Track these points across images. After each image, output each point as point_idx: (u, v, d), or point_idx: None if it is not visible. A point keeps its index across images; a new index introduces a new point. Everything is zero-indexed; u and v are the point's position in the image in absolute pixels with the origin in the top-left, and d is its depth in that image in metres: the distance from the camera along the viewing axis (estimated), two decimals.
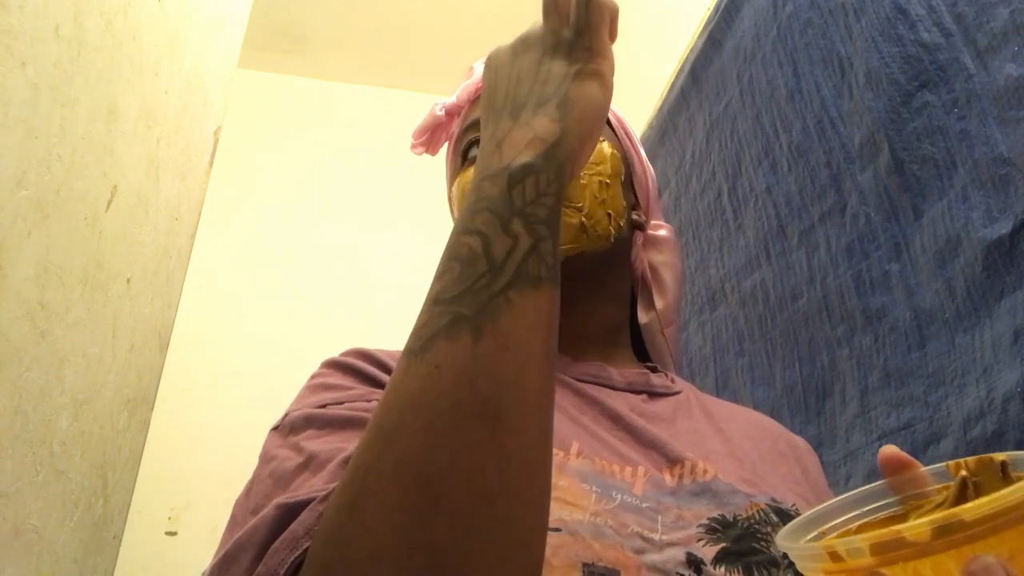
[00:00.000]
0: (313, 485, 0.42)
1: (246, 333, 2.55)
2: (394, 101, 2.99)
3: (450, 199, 0.71)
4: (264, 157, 2.85)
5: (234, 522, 0.46)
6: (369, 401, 0.50)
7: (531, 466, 0.36)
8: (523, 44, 0.49)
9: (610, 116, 0.70)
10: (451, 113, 0.73)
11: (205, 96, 1.67)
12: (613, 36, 0.49)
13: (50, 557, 1.12)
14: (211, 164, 1.79)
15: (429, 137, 0.74)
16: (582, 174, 0.62)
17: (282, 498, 0.41)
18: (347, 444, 0.45)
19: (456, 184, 0.69)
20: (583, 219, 0.61)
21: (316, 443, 0.46)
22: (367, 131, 2.94)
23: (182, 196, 1.59)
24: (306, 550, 0.37)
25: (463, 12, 2.79)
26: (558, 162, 0.42)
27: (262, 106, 2.91)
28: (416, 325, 0.39)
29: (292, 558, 0.37)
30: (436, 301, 0.38)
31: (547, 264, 0.39)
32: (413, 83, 2.95)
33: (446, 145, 0.76)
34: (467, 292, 0.37)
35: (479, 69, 0.70)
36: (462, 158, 0.69)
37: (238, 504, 0.47)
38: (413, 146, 0.75)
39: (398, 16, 2.84)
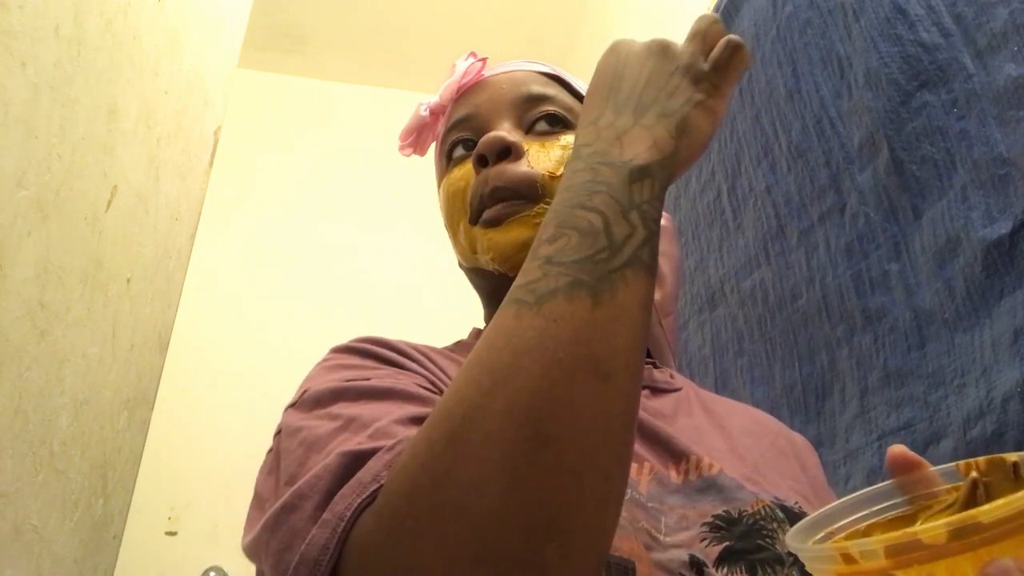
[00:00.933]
0: (361, 443, 0.42)
1: (246, 333, 2.55)
2: (394, 101, 2.99)
3: (439, 197, 0.71)
4: (264, 157, 2.85)
5: (260, 499, 0.45)
6: (398, 379, 0.50)
7: (629, 429, 0.38)
8: (660, 49, 0.50)
9: None
10: (436, 113, 0.72)
11: (205, 96, 1.67)
12: (737, 81, 0.51)
13: (50, 557, 1.12)
14: (211, 164, 1.79)
15: (416, 138, 0.74)
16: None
17: (346, 447, 0.41)
18: (391, 409, 0.45)
19: (442, 188, 0.68)
20: None
21: (353, 409, 0.46)
22: (367, 131, 2.94)
23: (182, 196, 1.59)
24: (374, 493, 0.37)
25: (463, 12, 2.79)
26: (668, 172, 0.44)
27: (262, 106, 2.91)
28: (524, 280, 0.39)
29: (359, 501, 0.37)
30: (551, 262, 0.39)
31: (656, 257, 0.41)
32: (413, 83, 2.95)
33: (434, 145, 0.75)
34: (587, 260, 0.39)
35: (461, 67, 0.69)
36: (447, 159, 0.68)
37: (261, 481, 0.47)
38: (401, 148, 0.75)
39: (398, 16, 2.84)
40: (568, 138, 0.63)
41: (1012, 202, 0.72)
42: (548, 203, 0.60)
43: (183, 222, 1.62)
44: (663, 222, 0.73)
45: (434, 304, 2.39)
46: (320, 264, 2.73)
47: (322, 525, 0.37)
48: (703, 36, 0.49)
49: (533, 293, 0.38)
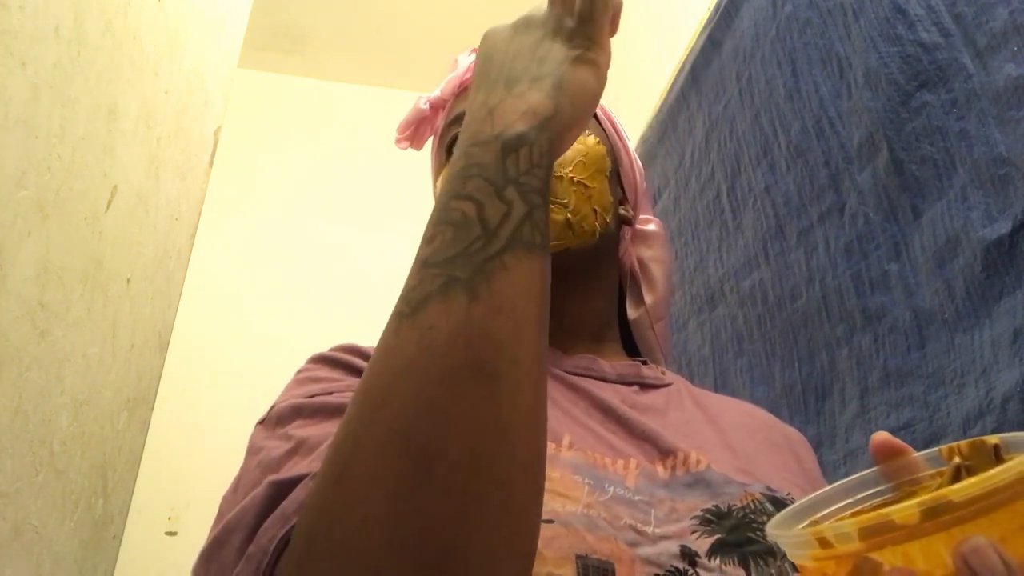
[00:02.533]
0: (303, 466, 0.41)
1: (246, 333, 2.55)
2: (394, 101, 2.98)
3: (435, 195, 0.71)
4: (264, 157, 2.85)
5: (221, 516, 0.45)
6: None
7: (529, 426, 0.35)
8: (524, 24, 0.49)
9: (597, 110, 0.70)
10: (435, 107, 0.72)
11: (205, 96, 1.67)
12: (614, 31, 0.49)
13: (50, 557, 1.12)
14: (211, 164, 1.79)
15: (413, 131, 0.74)
16: (567, 170, 0.62)
17: (272, 476, 0.40)
18: (335, 427, 0.45)
19: (440, 178, 0.68)
20: (568, 215, 0.60)
21: (306, 430, 0.46)
22: (367, 131, 2.94)
23: (182, 196, 1.59)
24: (295, 526, 0.36)
25: (463, 12, 2.79)
26: (550, 135, 0.42)
27: (262, 106, 2.91)
28: (405, 289, 0.38)
29: (281, 533, 0.37)
30: (426, 264, 0.37)
31: (541, 232, 0.39)
32: (413, 83, 2.94)
33: (431, 140, 0.75)
34: (461, 255, 0.37)
35: (464, 62, 0.69)
36: (447, 153, 0.68)
37: (225, 499, 0.47)
38: (398, 140, 0.75)
39: (398, 16, 2.84)
40: None
41: (1012, 202, 0.72)
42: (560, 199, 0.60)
43: (183, 222, 1.62)
44: (654, 227, 0.73)
45: None
46: (320, 264, 2.73)
47: (248, 559, 0.37)
48: None
49: (409, 302, 0.36)
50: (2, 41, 0.89)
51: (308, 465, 0.41)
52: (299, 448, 0.44)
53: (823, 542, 0.31)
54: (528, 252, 0.38)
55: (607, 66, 0.48)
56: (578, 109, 0.44)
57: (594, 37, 0.47)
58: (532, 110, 0.42)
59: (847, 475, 0.93)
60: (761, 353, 1.14)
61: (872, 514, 0.30)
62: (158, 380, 1.60)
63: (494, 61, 0.47)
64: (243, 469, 0.47)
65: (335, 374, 0.53)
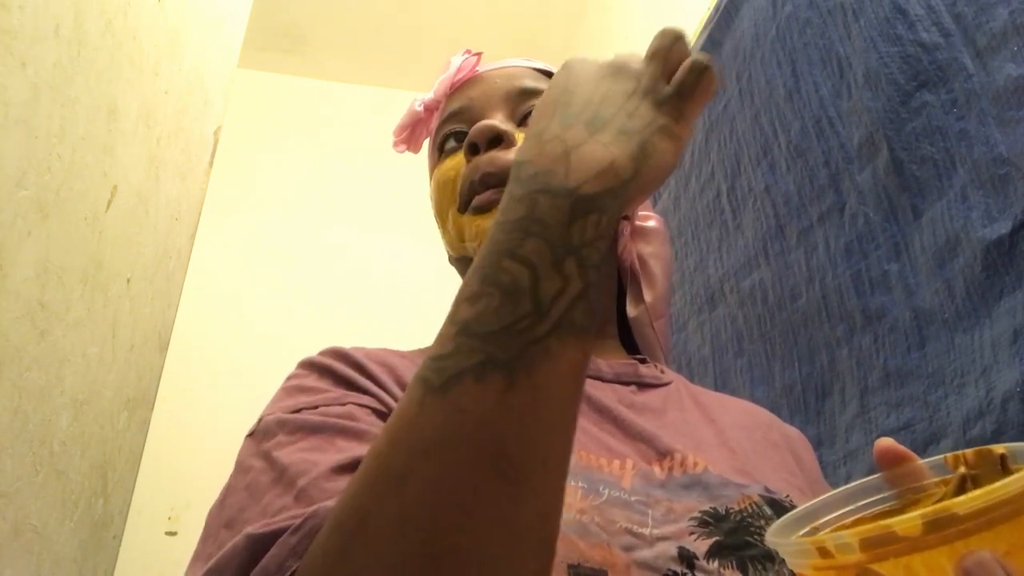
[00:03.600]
0: (287, 506, 0.41)
1: (246, 333, 2.55)
2: (394, 101, 2.98)
3: (431, 196, 0.71)
4: (264, 157, 2.85)
5: (207, 532, 0.45)
6: (343, 405, 0.49)
7: (546, 535, 0.34)
8: (617, 69, 0.44)
9: None
10: (430, 108, 0.72)
11: (205, 96, 1.67)
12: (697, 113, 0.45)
13: (50, 557, 1.12)
14: (211, 164, 1.79)
15: (409, 134, 0.74)
16: None
17: (253, 528, 0.39)
18: (316, 454, 0.44)
19: (433, 179, 0.68)
20: None
21: (286, 452, 0.45)
22: (367, 131, 2.94)
23: (182, 196, 1.59)
24: None
25: (463, 12, 2.79)
26: (620, 204, 0.38)
27: (262, 106, 2.91)
28: (437, 351, 0.35)
29: None
30: (467, 331, 0.34)
31: (591, 312, 0.36)
32: (413, 83, 2.94)
33: (427, 142, 0.75)
34: (505, 332, 0.33)
35: (455, 62, 0.69)
36: (439, 151, 0.68)
37: (212, 513, 0.46)
38: (394, 144, 0.75)
39: (397, 16, 2.84)
40: None
41: (1012, 202, 0.72)
42: None
43: (183, 222, 1.62)
44: (655, 224, 0.73)
45: (433, 304, 2.39)
46: (320, 264, 2.73)
47: None
48: (664, 56, 0.43)
49: (441, 373, 0.34)
50: (2, 41, 0.89)
51: (294, 507, 0.40)
52: (281, 477, 0.43)
53: (823, 552, 0.31)
54: (575, 337, 0.34)
55: (685, 148, 0.45)
56: (650, 181, 0.40)
57: (685, 113, 0.42)
58: (613, 169, 0.38)
59: (847, 475, 0.93)
60: (761, 353, 1.14)
61: (874, 525, 0.30)
62: (158, 380, 1.60)
63: (577, 94, 0.42)
64: (230, 486, 0.47)
65: (323, 383, 0.52)
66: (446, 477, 0.32)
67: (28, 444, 1.03)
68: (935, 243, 0.81)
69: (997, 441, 0.69)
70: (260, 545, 0.38)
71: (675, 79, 0.42)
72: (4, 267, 0.93)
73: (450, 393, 0.33)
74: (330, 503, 0.38)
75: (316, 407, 0.49)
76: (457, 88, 0.69)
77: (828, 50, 1.05)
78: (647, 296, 0.69)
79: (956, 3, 0.82)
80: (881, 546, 0.29)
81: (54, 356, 1.08)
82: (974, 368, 0.74)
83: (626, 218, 0.70)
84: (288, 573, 0.35)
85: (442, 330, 0.36)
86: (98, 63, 1.14)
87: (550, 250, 0.35)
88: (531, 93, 0.65)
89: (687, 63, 0.42)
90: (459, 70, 0.68)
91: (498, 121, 0.62)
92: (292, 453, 0.45)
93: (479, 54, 0.69)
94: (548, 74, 0.69)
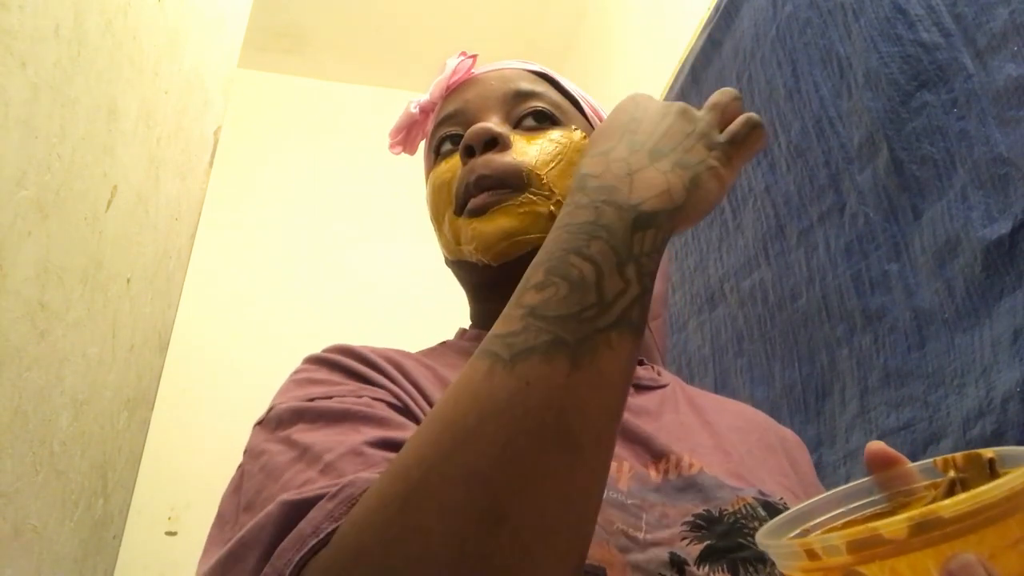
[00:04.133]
0: (312, 479, 0.41)
1: (246, 333, 2.55)
2: (394, 101, 2.98)
3: (427, 197, 0.70)
4: (264, 157, 2.85)
5: (222, 519, 0.44)
6: (360, 397, 0.49)
7: (594, 504, 0.36)
8: (680, 111, 0.49)
9: (583, 106, 0.69)
10: (426, 110, 0.72)
11: (205, 96, 1.67)
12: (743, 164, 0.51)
13: (50, 557, 1.12)
14: (211, 164, 1.79)
15: (405, 136, 0.74)
16: (556, 163, 0.61)
17: (288, 495, 0.39)
18: (344, 437, 0.44)
19: (429, 182, 0.68)
20: (551, 207, 0.59)
21: (309, 436, 0.45)
22: (367, 131, 2.94)
23: (182, 196, 1.59)
24: (312, 548, 0.36)
25: (462, 12, 2.79)
26: (672, 224, 0.42)
27: (262, 106, 2.91)
28: (503, 330, 0.37)
29: (297, 558, 0.36)
30: (534, 313, 0.37)
31: (646, 315, 0.40)
32: (413, 83, 2.94)
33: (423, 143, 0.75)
34: (572, 318, 0.37)
35: (451, 64, 0.69)
36: (435, 154, 0.68)
37: (226, 500, 0.46)
38: (391, 146, 0.75)
39: (397, 16, 2.84)
40: (555, 134, 0.63)
41: (1012, 202, 0.72)
42: (534, 193, 0.59)
43: (183, 222, 1.62)
44: None
45: (433, 304, 2.39)
46: (320, 264, 2.73)
47: None
48: (722, 109, 0.49)
49: (510, 348, 0.36)
50: (2, 41, 0.89)
51: (320, 479, 0.40)
52: (304, 455, 0.43)
53: (811, 554, 0.31)
54: (632, 334, 0.38)
55: (728, 190, 0.50)
56: (697, 210, 0.44)
57: (733, 160, 0.47)
58: (669, 194, 0.42)
59: (847, 475, 0.94)
60: (761, 353, 1.14)
61: (861, 527, 0.30)
62: (158, 380, 1.60)
63: (643, 125, 0.48)
64: (244, 472, 0.46)
65: (334, 376, 0.52)
66: (512, 442, 0.34)
67: (28, 444, 1.03)
68: (935, 243, 0.81)
69: (998, 441, 0.69)
70: (295, 511, 0.38)
71: (730, 128, 0.48)
72: (4, 267, 0.93)
73: (519, 366, 0.35)
74: (366, 474, 0.39)
75: (331, 397, 0.49)
76: (453, 90, 0.69)
77: (828, 50, 1.05)
78: None
79: (956, 3, 0.82)
80: (867, 548, 0.30)
81: (54, 356, 1.08)
82: (974, 368, 0.74)
83: None
84: (324, 535, 0.36)
85: (507, 311, 0.38)
86: (98, 63, 1.14)
87: (614, 254, 0.39)
88: (527, 95, 0.65)
89: (743, 117, 0.48)
90: (455, 72, 0.68)
91: (493, 124, 0.62)
92: (314, 436, 0.45)
93: (475, 56, 0.69)
94: (544, 76, 0.69)
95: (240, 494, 0.44)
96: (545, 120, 0.64)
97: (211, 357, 2.47)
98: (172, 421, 2.22)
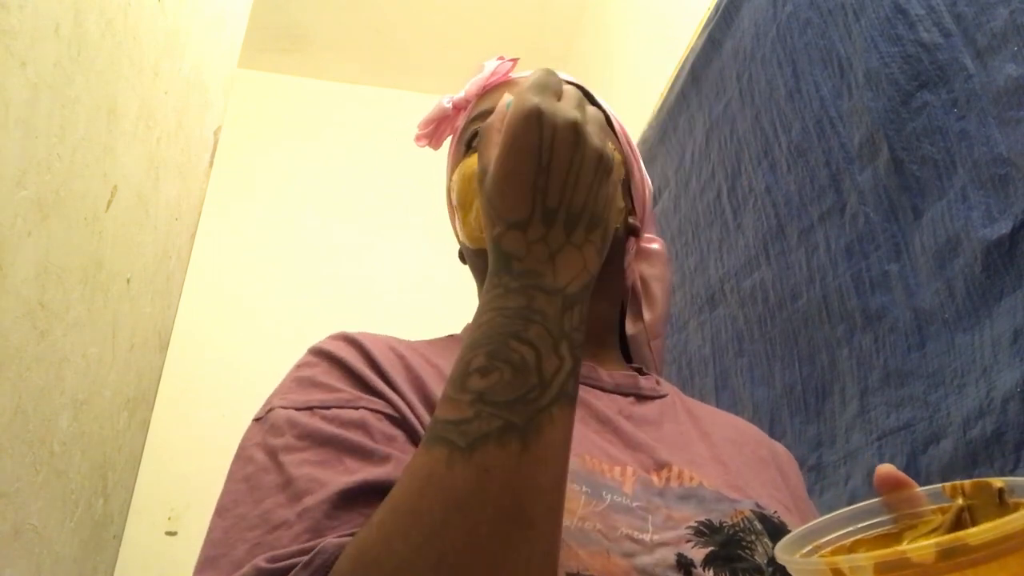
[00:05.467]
0: (288, 522, 0.42)
1: (246, 333, 2.55)
2: (394, 101, 2.99)
3: (449, 189, 0.71)
4: (264, 157, 2.85)
5: (211, 542, 0.45)
6: (356, 409, 0.50)
7: (551, 564, 0.39)
8: (573, 136, 0.45)
9: (613, 122, 0.71)
10: (458, 107, 0.73)
11: (205, 96, 1.67)
12: None
13: (50, 557, 1.12)
14: (211, 164, 1.79)
15: (434, 129, 0.74)
16: None
17: (262, 560, 0.40)
18: (325, 471, 0.45)
19: (457, 171, 0.68)
20: None
21: (294, 459, 0.46)
22: (367, 131, 2.94)
23: (182, 196, 1.59)
24: None
25: (462, 13, 2.79)
26: (590, 293, 0.45)
27: (262, 106, 2.91)
28: (454, 416, 0.39)
29: None
30: (483, 400, 0.39)
31: (577, 383, 0.43)
32: (413, 83, 2.95)
33: (448, 139, 0.76)
34: (518, 401, 0.39)
35: (489, 66, 0.70)
36: (466, 147, 0.69)
37: (218, 512, 0.46)
38: (417, 137, 0.75)
39: (398, 16, 2.84)
40: None
41: (1012, 202, 0.72)
42: None
43: (183, 222, 1.62)
44: (658, 247, 0.74)
45: (434, 304, 2.39)
46: (320, 263, 2.73)
47: None
48: (581, 97, 0.49)
49: (465, 436, 0.38)
50: (2, 41, 0.89)
51: (297, 524, 0.42)
52: (286, 487, 0.44)
53: (837, 573, 0.32)
54: (569, 405, 0.41)
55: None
56: (604, 255, 0.47)
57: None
58: (587, 269, 0.45)
59: (847, 475, 0.93)
60: (762, 353, 1.14)
61: (889, 550, 0.31)
62: (158, 380, 1.60)
63: (553, 174, 0.44)
64: (231, 475, 0.47)
65: (333, 379, 0.52)
66: (476, 529, 0.37)
67: (28, 444, 1.03)
68: (935, 243, 0.81)
69: (998, 441, 0.69)
70: None
71: (597, 119, 0.48)
72: (4, 267, 0.93)
73: (475, 454, 0.38)
74: (336, 540, 0.40)
75: (328, 408, 0.49)
76: (489, 90, 0.70)
77: (829, 50, 1.05)
78: (646, 316, 0.71)
79: (957, 3, 0.82)
80: (895, 571, 0.31)
81: (54, 356, 1.08)
82: (974, 368, 0.74)
83: (635, 234, 0.71)
84: None
85: (454, 395, 0.41)
86: (98, 63, 1.14)
87: (549, 336, 0.42)
88: None
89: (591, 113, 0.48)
90: (493, 73, 0.70)
91: None
92: (300, 464, 0.46)
93: (515, 60, 0.70)
94: (578, 87, 0.70)
95: (226, 515, 0.45)
96: None
97: (211, 357, 2.47)
98: (172, 421, 2.22)
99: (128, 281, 1.34)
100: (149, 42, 1.32)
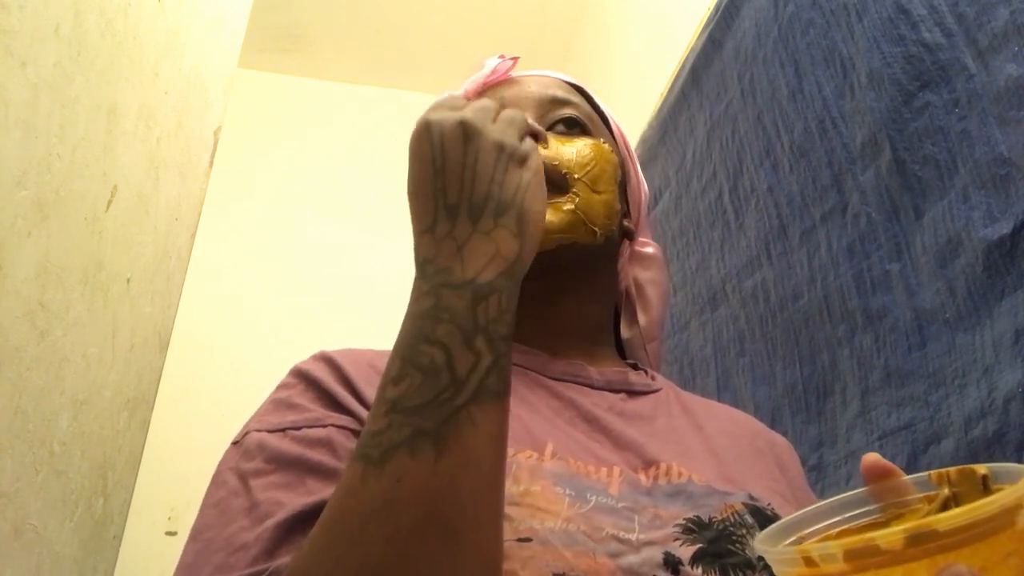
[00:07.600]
0: (247, 544, 0.43)
1: (246, 333, 2.55)
2: (394, 101, 2.99)
3: None
4: (264, 157, 2.85)
5: (182, 566, 0.46)
6: (324, 427, 0.50)
7: None
8: (465, 135, 0.47)
9: (611, 124, 0.71)
10: None
11: (205, 96, 1.67)
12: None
13: (50, 557, 1.12)
14: (211, 164, 1.79)
15: None
16: (591, 167, 0.62)
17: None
18: (286, 493, 0.46)
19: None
20: (577, 210, 0.60)
21: (260, 484, 0.47)
22: (367, 131, 2.94)
23: (182, 196, 1.59)
24: None
25: (462, 12, 2.79)
26: (516, 279, 0.44)
27: (262, 106, 2.91)
28: (371, 429, 0.39)
29: None
30: (395, 408, 0.39)
31: (505, 378, 0.41)
32: (413, 83, 2.94)
33: None
34: (429, 405, 0.38)
35: (489, 64, 0.70)
36: None
37: (191, 536, 0.47)
38: None
39: (398, 16, 2.84)
40: (583, 141, 0.64)
41: (1013, 202, 0.72)
42: (575, 194, 0.60)
43: (183, 222, 1.62)
44: (652, 251, 0.73)
45: None
46: (320, 264, 2.73)
47: None
48: (523, 122, 0.49)
49: (378, 447, 0.38)
50: (2, 41, 0.89)
51: (253, 547, 0.43)
52: (251, 511, 0.45)
53: (808, 561, 0.32)
54: (493, 402, 0.39)
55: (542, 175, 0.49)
56: (536, 239, 0.46)
57: (533, 153, 0.48)
58: (500, 255, 0.43)
59: (848, 474, 0.93)
60: (763, 353, 1.14)
61: (858, 537, 0.32)
62: (158, 380, 1.60)
63: (449, 176, 0.45)
64: (207, 498, 0.48)
65: (306, 399, 0.53)
66: (393, 538, 0.36)
67: (28, 444, 1.03)
68: (936, 243, 0.81)
69: (999, 441, 0.69)
70: None
71: (515, 120, 0.48)
72: (4, 267, 0.93)
73: (387, 465, 0.37)
74: (286, 560, 0.41)
75: (299, 428, 0.50)
76: (489, 88, 0.70)
77: (831, 50, 1.05)
78: (641, 320, 0.71)
79: (958, 3, 0.82)
80: (864, 557, 0.31)
81: (54, 356, 1.08)
82: (975, 368, 0.74)
83: (629, 236, 0.71)
84: None
85: (373, 409, 0.40)
86: (98, 63, 1.14)
87: (460, 332, 0.40)
88: (562, 102, 0.66)
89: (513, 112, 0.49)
90: (494, 71, 0.70)
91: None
92: (266, 488, 0.46)
93: (515, 58, 0.71)
94: (578, 89, 0.70)
95: (199, 537, 0.47)
96: (575, 127, 0.65)
97: (211, 357, 2.47)
98: (172, 421, 2.22)
99: (128, 281, 1.34)
100: (149, 42, 1.31)
